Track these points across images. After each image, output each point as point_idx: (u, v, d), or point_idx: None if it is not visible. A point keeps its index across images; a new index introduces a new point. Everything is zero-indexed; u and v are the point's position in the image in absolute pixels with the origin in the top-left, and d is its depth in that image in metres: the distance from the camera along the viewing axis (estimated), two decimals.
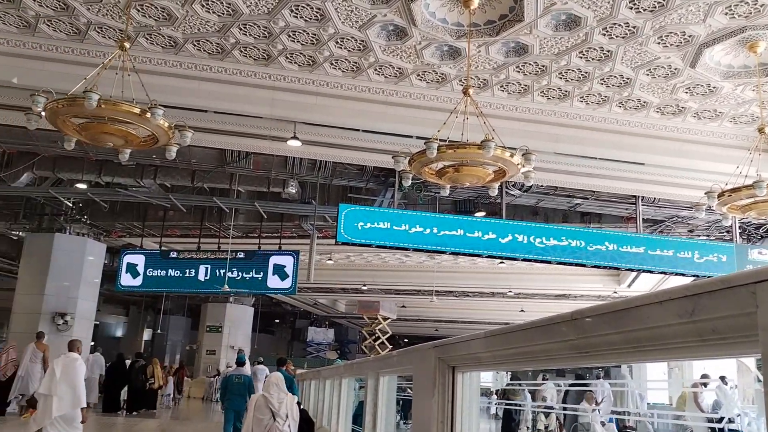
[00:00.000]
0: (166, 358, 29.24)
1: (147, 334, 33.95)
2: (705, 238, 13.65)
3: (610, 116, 9.87)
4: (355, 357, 31.52)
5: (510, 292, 23.09)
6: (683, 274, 10.90)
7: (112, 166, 13.04)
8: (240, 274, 14.72)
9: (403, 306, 30.12)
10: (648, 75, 8.66)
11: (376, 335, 29.25)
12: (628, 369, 17.61)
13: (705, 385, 11.94)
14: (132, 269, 15.26)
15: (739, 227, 12.39)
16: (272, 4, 7.52)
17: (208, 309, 26.48)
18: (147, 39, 8.57)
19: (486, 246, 10.17)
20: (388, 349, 26.72)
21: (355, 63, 8.83)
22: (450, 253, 11.19)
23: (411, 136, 9.47)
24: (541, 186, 11.81)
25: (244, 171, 12.49)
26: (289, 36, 8.24)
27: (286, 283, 14.68)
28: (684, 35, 7.62)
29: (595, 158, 10.47)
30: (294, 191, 13.14)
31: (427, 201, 13.13)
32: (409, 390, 7.60)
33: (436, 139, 6.40)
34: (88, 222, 16.35)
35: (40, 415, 6.88)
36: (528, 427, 14.44)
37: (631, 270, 13.32)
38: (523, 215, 13.43)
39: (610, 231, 12.00)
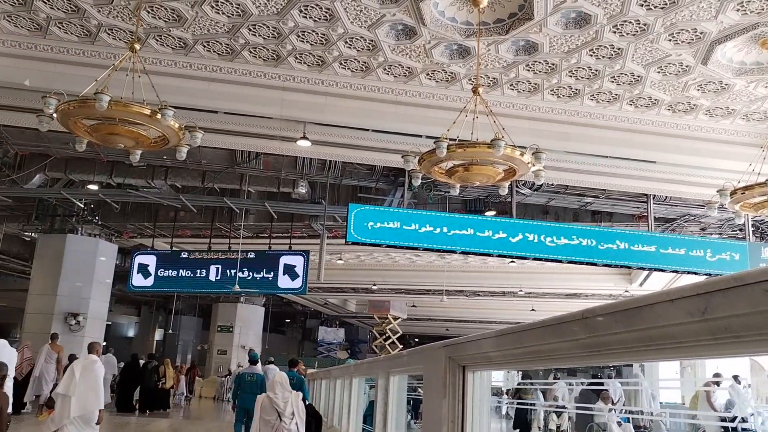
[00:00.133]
0: (178, 358, 29.34)
1: (158, 334, 34.16)
2: (717, 236, 13.56)
3: (620, 114, 9.80)
4: (366, 357, 31.53)
5: (520, 291, 23.04)
6: (695, 273, 10.81)
7: (123, 167, 13.13)
8: (251, 274, 14.80)
9: (414, 306, 30.14)
10: (659, 72, 8.60)
11: (387, 335, 29.27)
12: (640, 368, 17.51)
13: (718, 384, 11.86)
14: (143, 269, 15.38)
15: (752, 225, 12.28)
16: (281, 4, 7.53)
17: (219, 309, 26.62)
18: (157, 40, 8.61)
19: (496, 245, 10.14)
20: (398, 349, 26.71)
21: (365, 63, 8.83)
22: (460, 253, 11.17)
23: (420, 136, 9.46)
24: (552, 185, 11.77)
25: (254, 171, 12.55)
26: (299, 36, 8.25)
27: (297, 283, 14.74)
28: (695, 32, 7.57)
29: (606, 156, 10.39)
30: (304, 191, 13.17)
31: (436, 200, 13.12)
32: (419, 389, 7.59)
33: (446, 139, 6.39)
34: (100, 223, 16.48)
35: (58, 415, 6.94)
36: (540, 427, 14.37)
37: (643, 269, 13.27)
38: (534, 214, 13.40)
39: (622, 230, 11.95)
